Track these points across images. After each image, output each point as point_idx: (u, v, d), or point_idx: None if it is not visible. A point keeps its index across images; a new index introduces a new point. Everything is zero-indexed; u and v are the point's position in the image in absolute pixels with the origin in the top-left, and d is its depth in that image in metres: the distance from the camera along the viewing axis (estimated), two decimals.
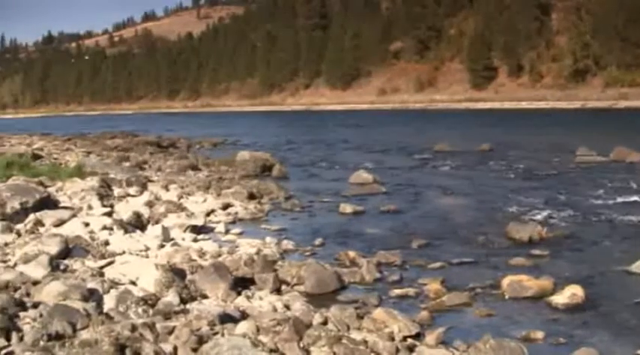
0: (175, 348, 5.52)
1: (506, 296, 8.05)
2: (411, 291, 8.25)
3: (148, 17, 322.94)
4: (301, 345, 5.81)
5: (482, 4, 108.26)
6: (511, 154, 25.62)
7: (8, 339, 5.33)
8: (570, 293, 7.75)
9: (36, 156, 25.36)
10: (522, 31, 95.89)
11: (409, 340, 6.40)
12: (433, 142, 29.56)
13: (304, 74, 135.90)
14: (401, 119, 64.03)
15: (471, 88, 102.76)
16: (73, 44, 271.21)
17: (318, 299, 8.03)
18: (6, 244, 9.76)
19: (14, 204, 11.65)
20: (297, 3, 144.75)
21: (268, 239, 11.24)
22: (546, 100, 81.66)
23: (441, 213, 14.14)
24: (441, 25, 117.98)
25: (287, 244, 10.96)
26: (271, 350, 5.65)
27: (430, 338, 6.43)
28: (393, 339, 6.24)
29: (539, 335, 6.74)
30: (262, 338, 5.91)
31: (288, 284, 8.52)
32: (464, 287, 8.31)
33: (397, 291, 8.25)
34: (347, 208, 14.30)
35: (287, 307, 7.36)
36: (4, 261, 8.72)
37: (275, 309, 7.25)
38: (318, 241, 11.29)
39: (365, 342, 6.03)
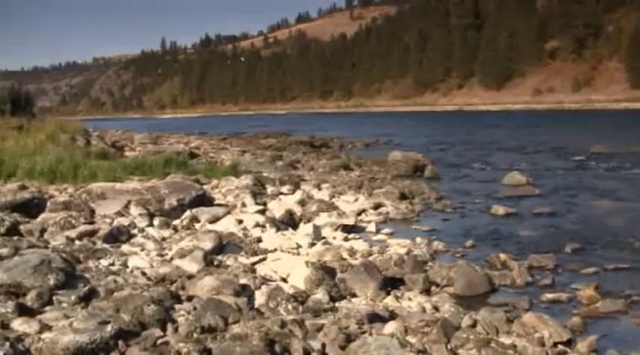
0: (324, 346, 5.57)
1: None
2: (563, 296, 8.03)
3: (302, 18, 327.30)
4: (449, 347, 5.77)
5: None
6: None
7: (164, 330, 5.52)
8: None
9: (193, 155, 26.20)
10: None
11: (560, 346, 6.24)
12: (590, 143, 28.77)
13: (457, 74, 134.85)
14: (556, 119, 62.62)
15: (630, 88, 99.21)
16: (229, 46, 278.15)
17: (468, 301, 7.94)
18: (163, 239, 10.09)
19: (172, 201, 12.07)
20: (451, 2, 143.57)
21: (419, 239, 11.17)
22: None
23: (597, 217, 13.73)
24: (598, 23, 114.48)
25: (437, 245, 10.88)
26: (419, 351, 5.64)
27: (582, 345, 6.26)
28: (543, 345, 6.11)
29: None
30: (410, 338, 5.91)
31: (437, 285, 8.46)
32: (619, 294, 8.02)
33: (549, 296, 8.05)
34: (499, 210, 14.08)
35: (436, 308, 7.31)
36: (162, 255, 9.02)
37: (424, 310, 7.22)
38: (469, 243, 11.15)
39: (514, 347, 5.94)
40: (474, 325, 6.48)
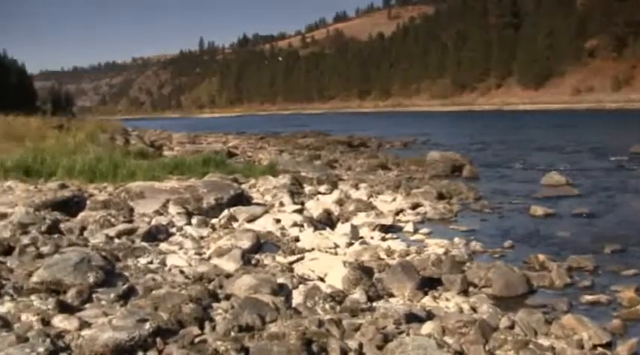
0: (361, 345, 5.56)
1: None
2: (602, 298, 7.93)
3: (340, 18, 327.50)
4: (487, 348, 5.73)
5: None
6: None
7: (202, 328, 5.55)
8: None
9: (231, 154, 26.39)
10: None
11: (599, 349, 6.13)
12: (630, 143, 28.34)
13: (495, 74, 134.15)
14: (595, 119, 62.01)
15: None
16: (267, 46, 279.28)
17: (506, 302, 7.87)
18: (202, 238, 10.15)
19: (210, 200, 12.14)
20: (489, 2, 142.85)
21: (457, 239, 11.11)
22: None
23: (637, 218, 13.54)
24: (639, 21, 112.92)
25: (475, 245, 10.81)
26: (456, 352, 5.59)
27: (622, 348, 6.15)
28: (582, 347, 6.03)
29: None
30: (447, 339, 5.87)
31: (475, 286, 8.40)
32: None
33: (588, 298, 7.96)
34: (538, 210, 13.96)
35: (474, 309, 7.27)
36: (200, 254, 9.07)
37: (461, 311, 7.18)
38: (507, 243, 11.06)
39: (552, 349, 5.87)
40: (512, 326, 6.43)
